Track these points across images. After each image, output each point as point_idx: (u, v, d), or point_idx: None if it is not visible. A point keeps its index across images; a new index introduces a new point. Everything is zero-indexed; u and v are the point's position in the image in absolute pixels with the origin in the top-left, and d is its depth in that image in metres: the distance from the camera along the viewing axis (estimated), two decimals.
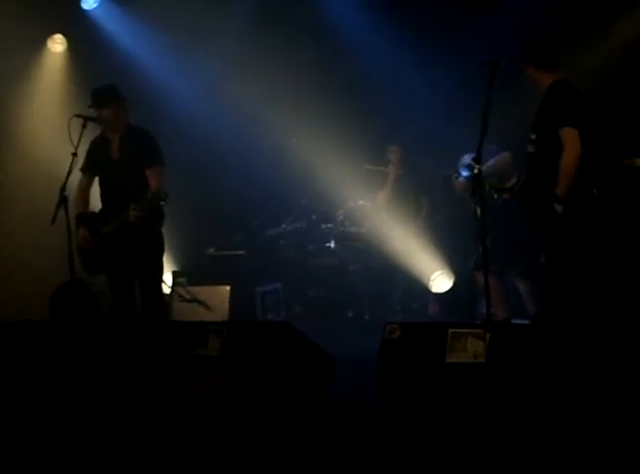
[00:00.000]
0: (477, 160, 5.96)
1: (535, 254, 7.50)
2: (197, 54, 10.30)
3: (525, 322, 7.60)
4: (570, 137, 6.25)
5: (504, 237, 7.57)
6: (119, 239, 7.11)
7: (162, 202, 7.01)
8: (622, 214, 7.57)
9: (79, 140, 6.99)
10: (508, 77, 6.40)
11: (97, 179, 7.43)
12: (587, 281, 6.39)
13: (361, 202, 9.93)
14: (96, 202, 7.51)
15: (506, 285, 7.75)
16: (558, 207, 6.25)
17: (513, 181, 6.79)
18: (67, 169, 6.93)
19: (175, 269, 9.94)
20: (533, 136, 6.45)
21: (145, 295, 7.27)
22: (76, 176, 7.23)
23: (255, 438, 5.19)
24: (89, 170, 7.37)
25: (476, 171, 5.92)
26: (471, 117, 7.38)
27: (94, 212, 7.43)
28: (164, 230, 7.46)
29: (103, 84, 7.38)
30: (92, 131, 7.34)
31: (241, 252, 10.19)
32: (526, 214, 6.70)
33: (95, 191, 7.48)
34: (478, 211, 6.87)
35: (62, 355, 6.10)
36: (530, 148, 6.50)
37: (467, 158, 7.38)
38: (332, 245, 10.01)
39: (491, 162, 7.55)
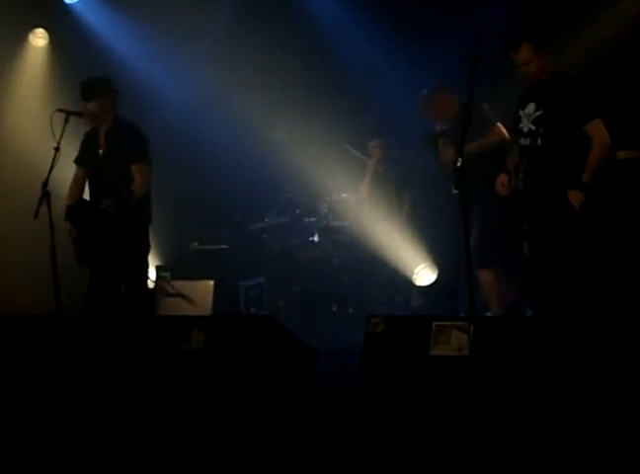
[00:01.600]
0: (460, 153, 5.95)
1: (517, 245, 7.53)
2: (180, 49, 10.27)
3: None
4: (600, 128, 6.22)
5: (490, 229, 7.55)
6: (105, 235, 7.11)
7: (131, 198, 6.98)
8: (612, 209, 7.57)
9: (61, 135, 6.97)
10: (491, 71, 6.42)
11: None
12: (585, 275, 6.37)
13: (345, 196, 9.94)
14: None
15: (500, 281, 7.69)
16: (578, 196, 6.19)
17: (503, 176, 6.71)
18: (50, 164, 6.92)
19: (158, 263, 9.92)
20: (539, 129, 6.35)
21: (129, 290, 7.27)
22: (59, 171, 7.19)
23: (240, 432, 5.19)
24: (81, 162, 7.38)
25: (459, 164, 5.90)
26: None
27: (84, 200, 7.41)
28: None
29: (92, 76, 7.36)
30: (75, 126, 7.32)
31: (225, 246, 10.17)
32: (526, 207, 6.57)
33: None
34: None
35: (44, 351, 6.09)
36: (529, 142, 6.41)
37: None
38: (315, 239, 10.01)
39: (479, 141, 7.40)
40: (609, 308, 6.60)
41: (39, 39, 10.40)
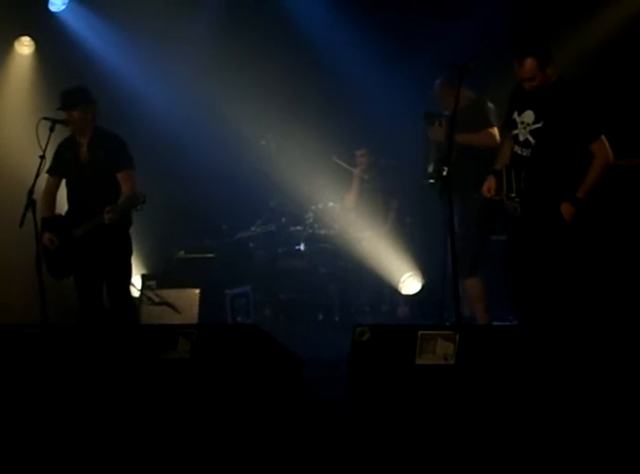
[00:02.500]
0: (446, 162, 5.92)
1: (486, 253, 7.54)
2: (166, 57, 10.28)
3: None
4: (605, 146, 6.15)
5: (470, 236, 7.55)
6: (88, 241, 7.10)
7: (140, 206, 7.01)
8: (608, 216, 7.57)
9: (47, 143, 6.96)
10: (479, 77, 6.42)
11: (64, 181, 7.41)
12: (577, 285, 6.35)
13: (331, 204, 9.95)
14: (60, 205, 7.48)
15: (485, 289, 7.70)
16: (570, 210, 6.18)
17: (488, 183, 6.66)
18: (35, 172, 6.90)
19: (144, 272, 9.91)
20: (537, 142, 6.23)
21: (113, 298, 7.26)
22: (45, 179, 7.19)
23: (226, 441, 5.18)
24: (56, 172, 7.34)
25: (445, 173, 5.87)
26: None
27: (60, 215, 7.40)
28: (134, 233, 7.45)
29: (72, 86, 7.35)
30: (60, 134, 7.31)
31: (211, 255, 10.16)
32: (519, 218, 6.46)
33: (61, 193, 7.45)
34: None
35: (30, 360, 6.06)
36: (525, 152, 6.31)
37: None
38: (302, 247, 10.01)
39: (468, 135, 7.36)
40: (598, 315, 6.60)
41: (24, 46, 10.38)
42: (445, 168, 5.85)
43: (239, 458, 4.95)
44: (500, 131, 7.20)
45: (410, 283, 9.36)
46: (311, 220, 9.99)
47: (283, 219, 10.24)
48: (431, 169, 7.58)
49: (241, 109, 10.04)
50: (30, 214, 6.80)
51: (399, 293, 9.42)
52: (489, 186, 6.51)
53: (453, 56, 6.73)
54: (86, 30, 10.40)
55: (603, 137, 6.17)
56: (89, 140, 7.28)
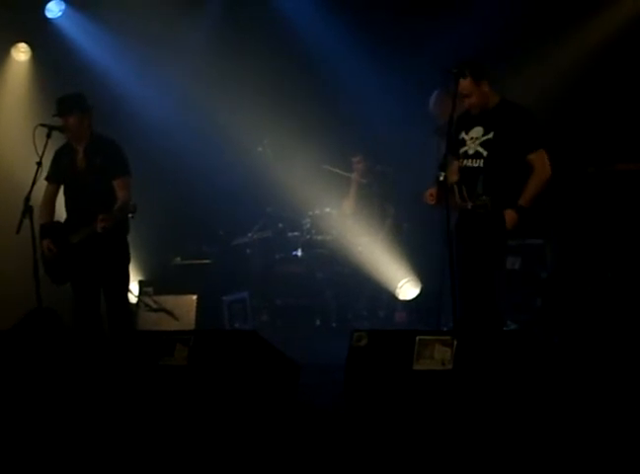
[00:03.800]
0: (443, 167, 5.99)
1: None
2: (163, 63, 10.27)
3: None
4: (543, 160, 6.38)
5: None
6: (86, 248, 7.09)
7: (130, 215, 7.02)
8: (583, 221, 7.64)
9: (44, 150, 6.96)
10: None
11: (62, 188, 7.41)
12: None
13: (328, 210, 9.94)
14: (59, 211, 7.48)
15: None
16: (512, 216, 6.28)
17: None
18: (32, 178, 6.90)
19: (141, 278, 9.90)
20: (485, 152, 6.41)
21: (111, 304, 7.25)
22: (41, 185, 7.19)
23: (224, 446, 5.18)
24: (54, 179, 7.33)
25: (442, 178, 5.94)
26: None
27: (59, 222, 7.39)
28: (131, 239, 7.45)
29: (68, 92, 7.35)
30: (57, 141, 7.31)
31: (208, 261, 10.16)
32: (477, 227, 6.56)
33: (60, 200, 7.45)
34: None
35: (27, 365, 6.06)
36: (475, 163, 6.46)
37: None
38: (299, 253, 10.00)
39: None
40: (596, 325, 6.61)
41: (21, 53, 10.39)
42: (442, 173, 5.91)
43: (237, 463, 4.94)
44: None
45: (407, 289, 9.36)
46: (308, 226, 9.98)
47: (280, 225, 10.23)
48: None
49: (238, 115, 10.04)
50: (27, 221, 6.80)
51: (396, 299, 9.42)
52: (431, 192, 6.53)
53: (449, 60, 6.76)
54: (82, 36, 10.39)
55: (542, 151, 6.40)
56: (85, 146, 7.28)
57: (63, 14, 10.28)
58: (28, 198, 6.81)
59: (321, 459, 4.94)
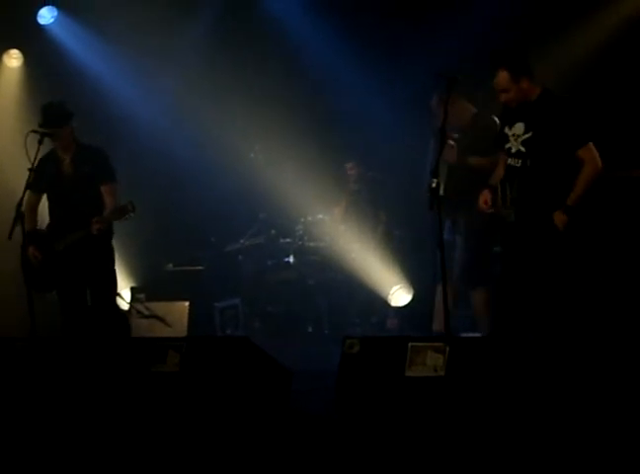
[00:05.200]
0: (435, 174, 5.93)
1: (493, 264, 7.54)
2: (154, 69, 10.27)
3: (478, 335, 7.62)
4: (593, 153, 6.17)
5: (478, 247, 7.55)
6: (71, 254, 7.12)
7: (129, 214, 7.04)
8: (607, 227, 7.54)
9: (36, 156, 6.94)
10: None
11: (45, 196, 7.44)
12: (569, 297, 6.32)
13: (320, 217, 9.94)
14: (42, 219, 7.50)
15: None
16: (562, 218, 6.16)
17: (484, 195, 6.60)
18: (24, 184, 6.89)
19: (133, 285, 9.89)
20: (528, 151, 6.24)
21: (100, 310, 7.28)
22: None
23: (216, 453, 5.17)
24: (38, 187, 7.34)
25: (434, 185, 5.88)
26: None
27: (42, 230, 7.43)
28: (123, 245, 7.47)
29: (55, 102, 7.34)
30: (49, 147, 7.31)
31: (200, 267, 10.16)
32: (513, 225, 6.43)
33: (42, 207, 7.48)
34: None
35: (19, 374, 6.05)
36: (518, 163, 6.29)
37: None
38: (291, 260, 9.99)
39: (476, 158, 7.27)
40: (590, 329, 6.59)
41: (13, 59, 10.37)
42: (435, 180, 5.86)
43: (230, 469, 4.94)
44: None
45: (399, 295, 9.36)
46: (301, 232, 9.98)
47: (273, 231, 10.22)
48: (441, 191, 7.46)
49: (230, 121, 10.04)
50: (19, 227, 6.79)
51: (389, 305, 9.42)
52: (484, 199, 6.49)
53: (444, 67, 6.72)
54: (74, 42, 10.39)
55: (591, 144, 6.19)
56: (72, 155, 7.31)
57: (55, 20, 10.27)
58: (20, 204, 6.80)
59: (313, 466, 4.93)
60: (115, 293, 7.52)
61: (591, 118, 6.29)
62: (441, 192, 7.33)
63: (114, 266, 7.46)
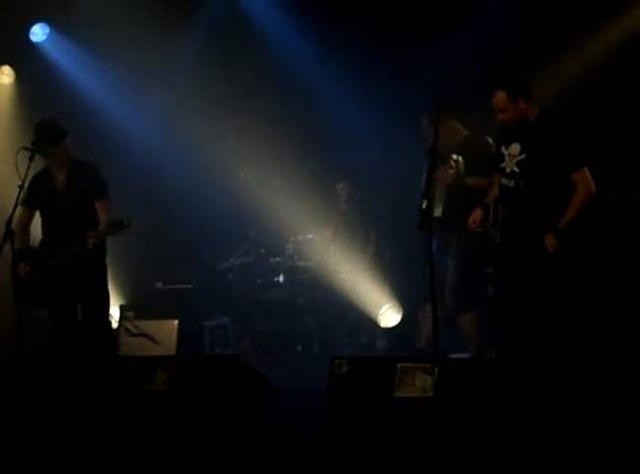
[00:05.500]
0: (426, 195, 5.91)
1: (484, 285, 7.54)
2: (147, 87, 10.30)
3: (466, 355, 7.62)
4: (587, 177, 6.15)
5: (469, 269, 7.55)
6: (64, 270, 7.11)
7: (125, 230, 7.02)
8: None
9: (26, 173, 6.94)
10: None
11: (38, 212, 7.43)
12: (557, 319, 6.32)
13: (310, 236, 9.95)
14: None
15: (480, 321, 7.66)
16: (552, 242, 6.15)
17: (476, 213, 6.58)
18: (14, 201, 6.88)
19: (122, 303, 9.87)
20: (522, 172, 6.24)
21: (92, 327, 7.26)
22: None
23: (205, 472, 5.15)
24: (30, 204, 7.35)
25: (424, 206, 5.85)
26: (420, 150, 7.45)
27: (35, 246, 7.42)
28: (112, 263, 7.46)
29: (46, 120, 7.34)
30: (40, 164, 7.31)
31: (189, 286, 10.15)
32: (496, 249, 6.49)
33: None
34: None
35: (6, 391, 6.02)
36: (512, 183, 6.29)
37: None
38: (281, 279, 10.00)
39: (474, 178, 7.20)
40: (580, 351, 6.58)
41: (5, 76, 10.38)
42: (425, 201, 5.85)
43: None
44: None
45: (389, 316, 9.35)
46: (291, 251, 9.98)
47: (263, 250, 10.24)
48: (438, 212, 7.44)
49: (221, 140, 10.07)
50: (8, 245, 6.77)
51: (378, 326, 9.42)
52: (474, 217, 6.50)
53: (435, 88, 6.72)
54: (66, 60, 10.42)
55: (586, 168, 6.19)
56: (67, 171, 7.31)
57: (48, 37, 10.30)
58: (10, 221, 6.79)
59: None
60: (107, 311, 7.50)
61: (586, 141, 6.29)
62: (439, 213, 7.40)
63: (107, 283, 7.45)
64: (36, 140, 7.19)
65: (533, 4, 8.95)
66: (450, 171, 7.24)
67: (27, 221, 7.44)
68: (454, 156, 7.24)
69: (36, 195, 7.32)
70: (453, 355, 7.66)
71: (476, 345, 7.54)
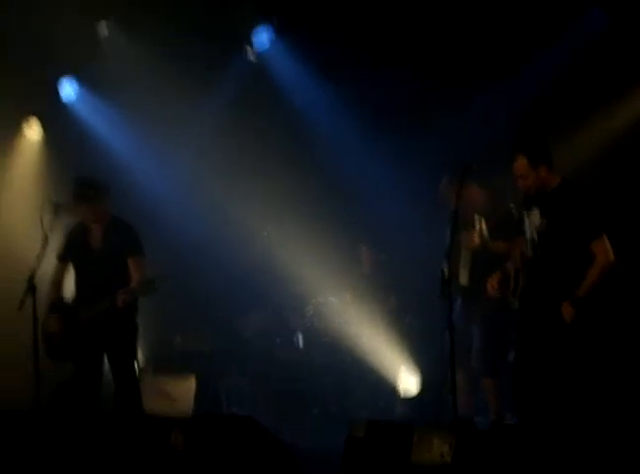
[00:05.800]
0: (447, 261, 5.87)
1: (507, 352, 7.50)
2: (172, 144, 10.38)
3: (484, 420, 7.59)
4: (606, 246, 6.13)
5: (493, 336, 7.53)
6: (95, 326, 7.12)
7: (155, 288, 7.04)
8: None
9: (50, 227, 6.97)
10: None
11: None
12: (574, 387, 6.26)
13: (331, 299, 9.94)
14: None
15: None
16: (569, 310, 6.09)
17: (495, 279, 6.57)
18: (38, 256, 6.91)
19: (141, 358, 9.86)
20: (541, 240, 6.24)
21: (120, 384, 7.27)
22: (46, 264, 7.20)
23: None
24: (65, 258, 7.43)
25: (446, 273, 5.82)
26: (443, 215, 7.43)
27: (67, 300, 7.45)
28: None
29: (86, 176, 7.45)
30: (65, 218, 7.36)
31: (208, 343, 10.14)
32: (520, 316, 6.43)
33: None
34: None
35: (22, 446, 6.01)
36: (530, 250, 6.31)
37: None
38: (299, 339, 9.98)
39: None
40: (598, 420, 6.51)
41: (32, 131, 10.50)
42: (446, 268, 5.82)
43: None
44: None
45: (408, 385, 9.28)
46: (311, 313, 9.97)
47: (282, 311, 10.23)
48: (464, 280, 7.45)
49: (244, 199, 10.10)
50: (30, 299, 6.80)
51: (396, 391, 9.35)
52: (492, 283, 6.49)
53: (458, 143, 6.65)
54: (94, 116, 10.54)
55: (605, 237, 6.16)
56: (105, 227, 7.36)
57: (77, 95, 10.44)
58: (32, 277, 6.81)
59: None
60: (134, 369, 7.49)
61: (606, 211, 6.28)
62: (465, 281, 7.39)
63: (136, 342, 7.46)
64: (77, 196, 7.27)
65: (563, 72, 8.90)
66: (475, 235, 7.24)
67: (61, 275, 7.49)
68: (477, 217, 7.24)
69: (70, 249, 7.41)
70: (477, 419, 7.63)
71: (494, 408, 7.52)
